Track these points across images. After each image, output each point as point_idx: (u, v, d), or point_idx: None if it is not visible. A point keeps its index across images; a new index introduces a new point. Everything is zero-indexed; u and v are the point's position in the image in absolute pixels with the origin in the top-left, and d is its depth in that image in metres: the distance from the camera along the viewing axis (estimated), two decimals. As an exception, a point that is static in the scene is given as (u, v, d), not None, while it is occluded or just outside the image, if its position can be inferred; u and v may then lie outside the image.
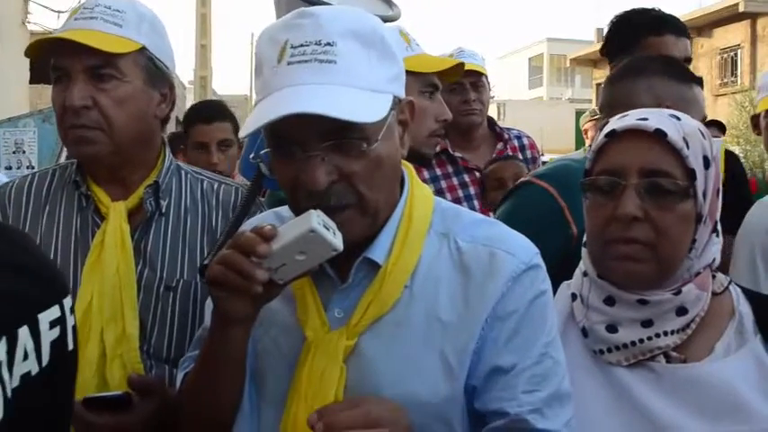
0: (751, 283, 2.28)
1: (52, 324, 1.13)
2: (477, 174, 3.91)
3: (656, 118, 1.66)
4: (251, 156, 2.03)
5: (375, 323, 1.47)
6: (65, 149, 5.20)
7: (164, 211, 2.05)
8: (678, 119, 1.67)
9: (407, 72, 2.46)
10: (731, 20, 24.73)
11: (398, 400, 1.42)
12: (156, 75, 2.05)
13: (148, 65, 2.03)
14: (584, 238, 1.77)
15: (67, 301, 1.18)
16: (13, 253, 1.11)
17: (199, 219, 2.08)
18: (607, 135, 1.68)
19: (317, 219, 1.33)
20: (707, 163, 1.64)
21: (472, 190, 3.91)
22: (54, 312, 1.14)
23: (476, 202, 3.80)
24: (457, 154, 3.96)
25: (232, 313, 1.42)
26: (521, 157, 4.15)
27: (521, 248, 1.53)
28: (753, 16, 24.28)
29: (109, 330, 1.91)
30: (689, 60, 2.90)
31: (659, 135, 1.61)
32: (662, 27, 2.97)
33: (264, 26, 1.49)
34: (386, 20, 2.18)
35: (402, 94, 1.51)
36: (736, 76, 25.31)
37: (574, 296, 1.76)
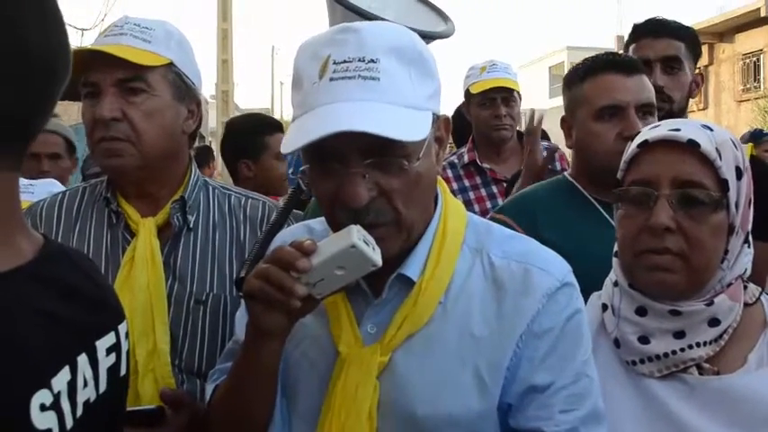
0: None
1: (108, 351, 1.13)
2: (506, 185, 3.91)
3: (688, 128, 1.65)
4: (290, 171, 2.04)
5: (408, 339, 1.47)
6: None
7: (191, 226, 2.07)
8: (711, 129, 1.66)
9: None
10: (753, 25, 24.57)
11: (432, 417, 1.43)
12: (184, 90, 2.08)
13: (176, 80, 2.06)
14: (615, 248, 1.77)
15: (122, 327, 1.19)
16: (73, 277, 1.11)
17: (227, 233, 2.10)
18: (639, 145, 1.67)
19: (357, 234, 1.34)
20: (739, 173, 1.63)
21: (500, 201, 3.88)
22: (110, 339, 1.14)
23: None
24: (485, 165, 3.96)
25: (268, 326, 1.42)
26: (550, 167, 4.15)
27: (554, 265, 1.53)
28: (775, 21, 24.13)
29: (140, 346, 1.92)
30: (671, 59, 2.93)
31: (692, 145, 1.61)
32: (635, 35, 3.07)
33: (302, 39, 1.48)
34: (441, 35, 2.19)
35: (439, 111, 1.50)
36: (759, 82, 25.15)
37: (605, 307, 1.75)
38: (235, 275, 2.01)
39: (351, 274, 1.37)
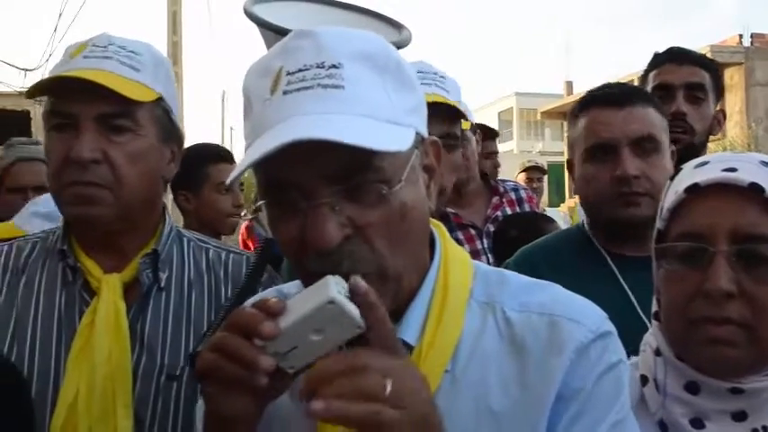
0: None
1: None
2: (473, 230, 3.68)
3: (746, 167, 1.40)
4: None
5: None
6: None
7: (163, 284, 1.77)
8: None
9: None
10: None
11: None
12: (170, 130, 1.80)
13: (163, 118, 1.78)
14: (654, 308, 1.53)
15: None
16: None
17: (205, 293, 1.80)
18: (687, 190, 1.42)
19: (336, 287, 1.06)
20: None
21: (467, 248, 3.67)
22: None
23: (471, 263, 3.57)
24: (449, 210, 3.72)
25: (229, 413, 1.11)
26: (518, 210, 3.96)
27: (585, 313, 1.26)
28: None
29: (98, 431, 1.61)
30: (696, 86, 2.76)
31: (754, 191, 1.36)
32: (657, 61, 2.91)
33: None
34: (395, 46, 1.96)
35: (425, 132, 1.23)
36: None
37: (644, 379, 1.50)
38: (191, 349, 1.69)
39: (331, 339, 1.08)
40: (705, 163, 1.46)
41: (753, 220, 1.36)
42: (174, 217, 2.12)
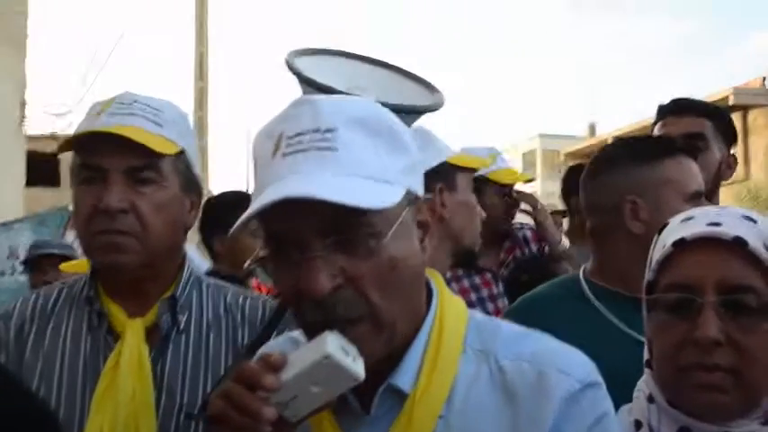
0: None
1: None
2: (489, 274, 3.76)
3: (729, 221, 1.48)
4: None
5: None
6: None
7: (182, 327, 1.87)
8: (754, 221, 1.50)
9: (462, 168, 2.35)
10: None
11: None
12: (190, 181, 1.91)
13: (186, 170, 1.89)
14: (645, 356, 1.59)
15: None
16: None
17: (222, 336, 1.89)
18: (675, 244, 1.50)
19: (333, 343, 1.16)
20: None
21: (485, 292, 3.75)
22: None
23: (489, 305, 3.64)
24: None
25: None
26: (527, 251, 4.05)
27: (574, 364, 1.31)
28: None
29: None
30: (695, 136, 2.83)
31: (738, 244, 1.44)
32: (660, 114, 3.01)
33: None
34: (428, 109, 2.03)
35: (419, 191, 1.33)
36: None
37: (638, 424, 1.56)
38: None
39: (329, 390, 1.18)
40: (690, 218, 1.55)
41: (738, 273, 1.44)
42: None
